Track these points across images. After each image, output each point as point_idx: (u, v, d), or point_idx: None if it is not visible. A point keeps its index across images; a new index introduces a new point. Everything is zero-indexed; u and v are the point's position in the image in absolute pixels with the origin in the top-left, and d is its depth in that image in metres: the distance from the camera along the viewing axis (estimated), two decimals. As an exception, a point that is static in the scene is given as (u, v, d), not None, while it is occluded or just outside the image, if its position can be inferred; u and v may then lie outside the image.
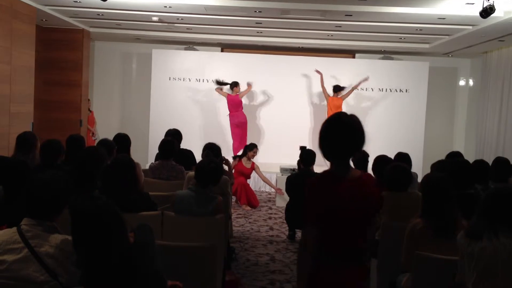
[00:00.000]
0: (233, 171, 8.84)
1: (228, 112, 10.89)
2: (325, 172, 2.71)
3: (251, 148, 9.16)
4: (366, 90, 11.89)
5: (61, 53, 10.58)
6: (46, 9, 8.83)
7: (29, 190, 2.59)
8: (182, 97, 11.88)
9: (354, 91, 11.34)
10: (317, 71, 11.15)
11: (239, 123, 10.83)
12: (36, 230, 2.50)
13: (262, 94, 11.84)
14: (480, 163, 5.28)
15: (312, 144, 11.59)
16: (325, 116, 11.28)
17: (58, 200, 2.57)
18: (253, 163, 9.25)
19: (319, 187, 2.65)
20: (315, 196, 2.64)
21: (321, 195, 2.62)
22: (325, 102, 11.28)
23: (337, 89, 11.05)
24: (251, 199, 8.99)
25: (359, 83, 11.18)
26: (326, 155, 2.66)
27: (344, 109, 11.56)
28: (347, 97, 11.13)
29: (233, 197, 8.39)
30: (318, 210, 2.62)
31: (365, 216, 2.64)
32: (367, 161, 6.07)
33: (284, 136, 11.33)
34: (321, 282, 2.66)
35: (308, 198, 2.66)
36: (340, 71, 11.89)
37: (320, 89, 11.33)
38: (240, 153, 9.72)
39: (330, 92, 11.10)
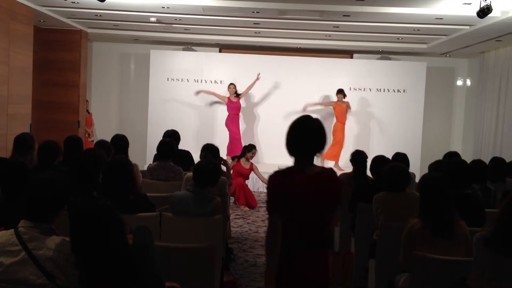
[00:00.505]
0: (231, 171, 8.84)
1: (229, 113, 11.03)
2: (288, 167, 2.92)
3: (250, 149, 9.16)
4: (364, 90, 11.91)
5: (59, 54, 10.57)
6: (44, 10, 8.83)
7: (28, 191, 2.57)
8: (180, 98, 11.87)
9: (351, 90, 11.39)
10: (308, 106, 11.33)
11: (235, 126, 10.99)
12: (33, 232, 2.48)
13: (260, 94, 11.83)
14: (477, 163, 5.31)
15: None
16: (322, 116, 11.33)
17: (57, 201, 2.56)
18: (252, 163, 9.25)
19: (279, 180, 2.88)
20: (275, 188, 2.88)
21: (281, 187, 2.85)
22: (322, 100, 11.35)
23: (343, 91, 11.14)
24: (249, 200, 8.99)
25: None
26: (291, 152, 2.91)
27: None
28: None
29: (231, 197, 8.39)
30: (279, 201, 2.85)
31: (324, 208, 2.86)
32: (366, 162, 6.08)
33: (283, 136, 11.30)
34: (288, 267, 2.86)
35: (269, 190, 2.91)
36: (338, 71, 11.91)
37: (317, 90, 11.34)
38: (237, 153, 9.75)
39: (333, 97, 11.22)
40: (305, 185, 2.83)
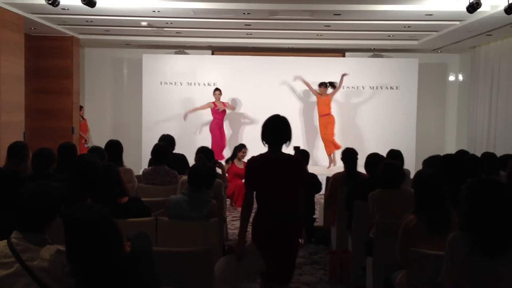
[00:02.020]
0: (227, 175, 8.85)
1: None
2: (261, 154, 3.80)
3: (240, 149, 9.16)
4: (357, 88, 11.94)
5: (51, 61, 10.55)
6: (34, 17, 8.81)
7: (19, 202, 2.55)
8: (174, 101, 11.87)
9: (345, 89, 11.39)
10: (300, 80, 11.37)
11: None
12: (26, 243, 2.46)
13: (253, 95, 11.83)
14: (471, 157, 5.32)
15: (306, 143, 11.64)
16: (316, 116, 11.37)
17: (48, 212, 2.54)
18: (245, 162, 9.24)
19: (254, 163, 3.76)
20: (251, 170, 3.75)
21: (255, 169, 3.73)
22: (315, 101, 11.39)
23: (326, 85, 11.11)
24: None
25: (341, 80, 11.19)
26: (264, 142, 3.79)
27: (336, 107, 11.61)
28: (333, 95, 11.17)
29: (227, 200, 8.39)
30: (253, 180, 3.72)
31: (291, 184, 3.69)
32: (356, 158, 6.09)
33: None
34: (261, 234, 3.72)
35: (247, 171, 3.79)
36: (331, 70, 11.91)
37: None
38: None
39: (317, 88, 11.22)
40: (274, 168, 3.69)
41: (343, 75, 11.11)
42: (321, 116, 11.15)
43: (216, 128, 10.99)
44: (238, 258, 3.69)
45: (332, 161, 11.12)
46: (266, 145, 3.80)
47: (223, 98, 11.19)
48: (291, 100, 11.84)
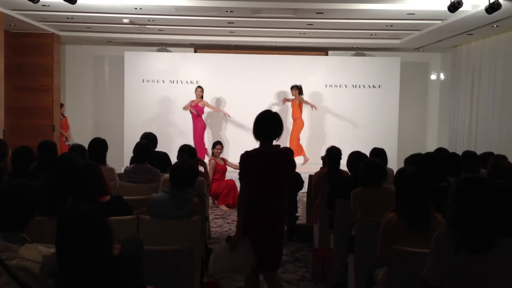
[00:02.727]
0: (214, 174, 8.88)
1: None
2: (254, 148, 3.96)
3: (214, 146, 9.17)
4: (340, 86, 11.99)
5: (31, 58, 10.42)
6: (14, 13, 8.69)
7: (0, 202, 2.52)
8: (156, 99, 11.81)
9: (327, 87, 11.47)
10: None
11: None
12: (5, 242, 2.43)
13: (236, 93, 11.81)
14: (452, 155, 5.37)
15: (288, 142, 11.65)
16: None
17: (25, 211, 2.50)
18: (222, 158, 9.25)
19: (248, 157, 3.91)
20: (246, 163, 3.91)
21: (249, 163, 3.89)
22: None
23: (291, 87, 11.26)
24: (234, 199, 9.06)
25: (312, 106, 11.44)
26: (256, 137, 3.94)
27: (318, 106, 11.65)
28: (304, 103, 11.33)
29: (209, 198, 8.38)
30: (248, 173, 3.87)
31: (280, 178, 3.92)
32: (340, 157, 6.11)
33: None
34: (253, 223, 3.88)
35: (241, 164, 3.94)
36: (313, 68, 11.97)
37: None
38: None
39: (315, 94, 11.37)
40: (266, 161, 3.87)
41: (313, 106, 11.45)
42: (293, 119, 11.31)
43: (196, 126, 10.97)
44: (232, 249, 3.83)
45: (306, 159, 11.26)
46: (258, 140, 3.95)
47: (206, 96, 11.16)
48: (274, 98, 11.84)
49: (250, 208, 3.88)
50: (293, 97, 11.29)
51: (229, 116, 11.56)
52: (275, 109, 11.72)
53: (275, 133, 3.92)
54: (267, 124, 3.91)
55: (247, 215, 3.89)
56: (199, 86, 11.09)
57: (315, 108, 11.46)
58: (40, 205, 2.58)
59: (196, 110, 10.93)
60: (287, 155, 4.06)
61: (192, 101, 11.02)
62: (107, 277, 2.29)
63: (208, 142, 11.23)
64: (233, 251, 3.83)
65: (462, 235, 2.78)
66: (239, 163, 3.95)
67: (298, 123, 11.21)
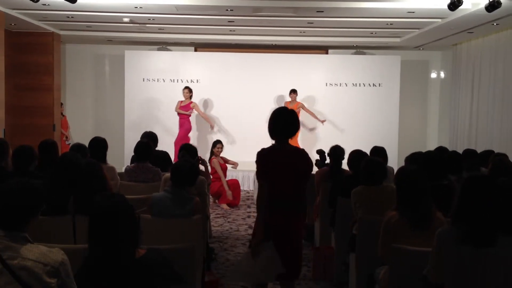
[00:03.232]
0: (214, 173, 8.89)
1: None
2: (271, 145, 3.89)
3: (215, 145, 9.14)
4: (340, 85, 11.99)
5: (32, 57, 10.42)
6: (14, 13, 8.68)
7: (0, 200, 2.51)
8: (157, 98, 11.81)
9: (328, 86, 11.47)
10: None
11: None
12: (7, 241, 2.43)
13: (237, 92, 11.81)
14: (452, 154, 5.38)
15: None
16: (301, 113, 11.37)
17: (27, 209, 2.49)
18: (222, 157, 9.25)
19: (266, 155, 3.82)
20: (262, 160, 3.81)
21: (266, 160, 3.80)
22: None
23: (290, 91, 11.17)
24: (237, 198, 9.08)
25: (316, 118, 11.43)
26: (272, 135, 3.86)
27: (319, 104, 11.66)
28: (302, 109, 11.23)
29: (211, 197, 8.39)
30: (264, 170, 3.78)
31: (296, 176, 3.77)
32: (343, 157, 6.11)
33: (260, 133, 11.24)
34: (273, 223, 3.72)
35: (258, 162, 3.83)
36: (314, 67, 11.97)
37: (294, 86, 11.35)
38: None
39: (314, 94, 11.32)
40: (283, 158, 3.78)
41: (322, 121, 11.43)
42: None
43: (183, 126, 10.87)
44: (255, 254, 3.67)
45: None
46: (273, 138, 3.89)
47: (207, 95, 11.16)
48: (273, 96, 11.83)
49: (267, 208, 3.74)
50: (289, 100, 11.20)
51: (212, 128, 11.38)
52: (276, 105, 11.75)
53: (291, 131, 3.85)
54: (282, 122, 3.83)
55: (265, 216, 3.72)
56: (187, 87, 10.93)
57: (324, 122, 11.46)
58: (42, 204, 2.57)
59: (186, 110, 10.85)
60: (304, 153, 3.90)
61: (181, 102, 10.87)
62: (125, 276, 2.41)
63: (206, 142, 11.23)
64: (257, 257, 3.64)
65: (465, 231, 2.81)
66: (256, 160, 3.82)
67: None
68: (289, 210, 3.76)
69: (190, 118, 10.92)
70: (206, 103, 11.87)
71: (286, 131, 3.83)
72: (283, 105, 11.17)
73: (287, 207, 3.75)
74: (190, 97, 10.86)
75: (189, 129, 10.93)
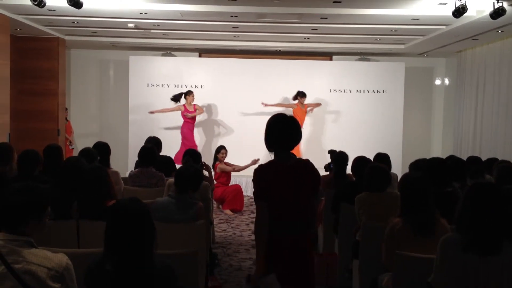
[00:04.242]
0: (217, 178, 8.90)
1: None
2: (270, 161, 3.35)
3: (219, 151, 9.14)
4: (344, 91, 11.99)
5: (37, 62, 10.46)
6: (20, 18, 8.73)
7: (3, 201, 2.50)
8: (161, 103, 11.80)
9: (331, 92, 11.47)
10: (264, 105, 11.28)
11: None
12: (12, 245, 2.42)
13: (240, 98, 11.82)
14: (456, 161, 5.36)
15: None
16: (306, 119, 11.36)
17: (31, 209, 2.49)
18: (225, 162, 9.26)
19: (264, 171, 3.26)
20: (261, 178, 3.25)
21: (265, 177, 3.23)
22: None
23: (302, 95, 11.11)
24: (240, 204, 9.07)
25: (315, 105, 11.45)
26: (270, 146, 3.33)
27: (322, 111, 11.66)
28: (311, 109, 11.28)
29: (214, 202, 8.39)
30: (264, 189, 3.21)
31: (303, 193, 3.25)
32: (346, 163, 6.11)
33: (263, 138, 11.23)
34: (276, 252, 3.20)
35: (256, 180, 3.27)
36: (318, 73, 11.98)
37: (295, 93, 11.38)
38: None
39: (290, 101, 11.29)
40: (286, 174, 3.24)
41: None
42: None
43: (187, 131, 10.86)
44: None
45: None
46: (271, 150, 3.35)
47: (211, 101, 11.18)
48: (277, 102, 11.83)
49: (269, 232, 3.21)
50: (297, 102, 11.18)
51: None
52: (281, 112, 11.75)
53: (293, 141, 3.31)
54: (282, 130, 3.29)
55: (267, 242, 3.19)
56: (191, 92, 11.00)
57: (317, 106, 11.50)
58: (47, 207, 2.56)
59: (191, 113, 10.92)
60: (310, 165, 3.35)
61: (186, 105, 10.91)
62: (149, 280, 2.41)
63: (207, 148, 11.24)
64: None
65: (470, 238, 2.79)
66: (253, 179, 3.29)
67: None
68: (296, 233, 3.24)
69: (191, 123, 10.97)
70: (210, 108, 11.88)
71: (287, 141, 3.30)
72: (292, 109, 11.15)
73: (293, 231, 3.23)
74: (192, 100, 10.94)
75: (192, 129, 10.98)
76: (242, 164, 9.36)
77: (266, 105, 11.20)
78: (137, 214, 2.46)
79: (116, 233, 2.43)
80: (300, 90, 11.10)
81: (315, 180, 3.34)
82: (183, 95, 10.85)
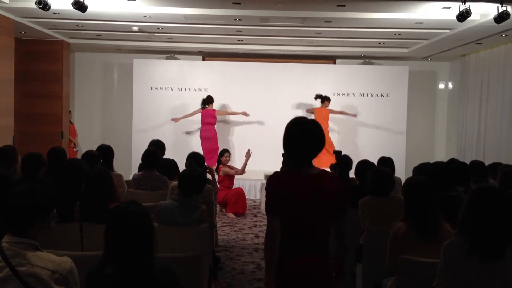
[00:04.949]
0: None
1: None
2: (287, 168, 2.98)
3: (222, 154, 9.15)
4: (348, 95, 11.98)
5: (41, 65, 10.50)
6: (25, 21, 8.77)
7: (8, 203, 2.50)
8: (165, 107, 11.84)
9: (335, 96, 11.50)
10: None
11: (207, 137, 10.97)
12: (17, 248, 2.42)
13: (244, 101, 11.82)
14: (460, 165, 5.35)
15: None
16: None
17: (37, 213, 2.48)
18: (229, 165, 9.26)
19: (279, 181, 2.89)
20: (275, 189, 2.86)
21: (281, 188, 2.85)
22: (305, 107, 11.56)
23: (324, 99, 11.13)
24: (243, 207, 9.06)
25: (347, 113, 11.57)
26: (289, 153, 2.93)
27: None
28: (333, 113, 11.33)
29: (217, 205, 8.39)
30: (278, 202, 2.83)
31: (324, 208, 2.85)
32: (350, 167, 6.10)
33: (267, 142, 11.23)
34: (288, 270, 2.85)
35: (269, 191, 2.88)
36: (321, 77, 11.97)
37: (301, 95, 11.40)
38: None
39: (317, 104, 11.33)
40: (305, 186, 2.84)
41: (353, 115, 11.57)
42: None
43: (206, 136, 10.96)
44: None
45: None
46: (291, 158, 2.99)
47: (214, 104, 11.20)
48: (280, 105, 11.82)
49: (281, 250, 2.84)
50: (319, 106, 11.28)
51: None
52: (285, 115, 11.76)
53: (317, 148, 2.92)
54: (306, 136, 2.88)
55: (278, 261, 2.84)
56: (211, 99, 11.16)
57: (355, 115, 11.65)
58: (51, 210, 2.56)
59: (211, 115, 11.05)
60: (335, 180, 2.95)
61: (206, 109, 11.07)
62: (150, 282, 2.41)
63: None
64: None
65: (473, 243, 2.79)
66: (266, 187, 2.94)
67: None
68: (310, 255, 2.86)
69: (210, 124, 11.08)
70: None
71: (311, 149, 2.90)
72: (312, 111, 11.27)
73: (307, 251, 2.85)
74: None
75: (206, 138, 11.07)
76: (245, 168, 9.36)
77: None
78: (136, 217, 2.46)
79: (115, 236, 2.43)
80: (323, 95, 11.28)
81: (340, 197, 2.91)
82: (208, 100, 11.04)
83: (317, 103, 11.37)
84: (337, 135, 11.84)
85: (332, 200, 2.87)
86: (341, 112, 11.49)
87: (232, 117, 11.86)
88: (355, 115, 11.64)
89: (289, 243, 2.84)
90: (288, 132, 2.94)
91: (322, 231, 2.89)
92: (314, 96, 11.25)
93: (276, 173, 3.01)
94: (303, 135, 2.88)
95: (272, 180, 2.91)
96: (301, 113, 11.60)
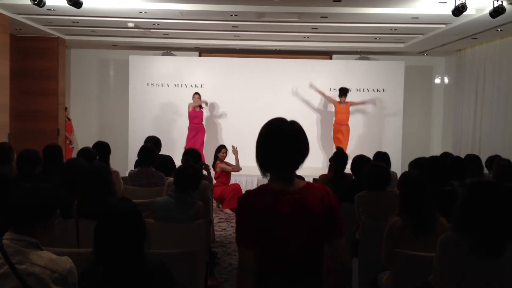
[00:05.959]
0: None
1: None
2: (262, 186, 2.34)
3: (219, 150, 9.16)
4: (344, 90, 11.99)
5: (37, 61, 10.46)
6: (20, 18, 8.73)
7: (11, 201, 2.50)
8: (161, 103, 11.83)
9: (332, 91, 11.49)
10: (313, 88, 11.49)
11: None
12: (17, 246, 2.42)
13: (241, 97, 11.83)
14: (455, 159, 5.37)
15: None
16: (299, 117, 11.34)
17: (41, 213, 2.48)
18: (225, 162, 9.26)
19: (254, 204, 2.26)
20: (247, 214, 2.26)
21: (257, 213, 2.24)
22: (303, 104, 11.59)
23: (344, 92, 11.22)
24: None
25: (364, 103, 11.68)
26: (264, 166, 2.31)
27: (322, 109, 11.67)
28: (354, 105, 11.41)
29: (214, 201, 8.39)
30: (252, 230, 2.24)
31: (311, 234, 2.26)
32: (346, 162, 6.11)
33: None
34: None
35: (239, 216, 2.30)
36: (318, 72, 11.96)
37: (296, 92, 11.39)
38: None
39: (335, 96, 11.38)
40: (289, 208, 2.24)
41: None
42: (340, 124, 11.21)
43: (192, 132, 10.98)
44: None
45: None
46: (266, 172, 2.34)
47: (211, 100, 11.22)
48: (277, 101, 11.82)
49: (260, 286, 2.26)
50: (339, 100, 11.28)
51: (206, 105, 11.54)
52: (282, 111, 11.76)
53: (299, 158, 2.29)
54: (284, 143, 2.26)
55: None
56: (197, 93, 11.10)
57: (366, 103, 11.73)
58: (54, 209, 2.55)
59: (199, 115, 11.01)
60: (327, 194, 2.32)
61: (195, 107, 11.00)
62: (143, 279, 2.40)
63: (208, 147, 11.27)
64: None
65: (473, 240, 2.78)
66: (236, 210, 2.33)
67: (349, 129, 11.31)
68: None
69: (198, 124, 11.10)
70: (210, 107, 11.87)
71: (291, 158, 2.28)
72: (334, 106, 11.30)
73: (294, 286, 2.26)
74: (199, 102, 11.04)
75: (190, 134, 11.05)
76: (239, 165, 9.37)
77: (311, 85, 11.46)
78: (125, 214, 2.45)
79: (103, 234, 2.43)
80: (341, 87, 11.27)
81: (332, 216, 2.29)
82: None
83: (317, 98, 11.36)
84: (330, 131, 11.83)
85: (322, 221, 2.27)
86: (361, 103, 11.63)
87: (228, 114, 11.86)
88: (365, 103, 11.72)
89: (269, 281, 2.26)
90: (266, 140, 2.30)
91: (312, 264, 2.29)
92: (339, 89, 11.28)
93: (248, 192, 2.36)
94: (285, 142, 2.26)
95: (244, 203, 2.29)
96: (298, 107, 11.62)
